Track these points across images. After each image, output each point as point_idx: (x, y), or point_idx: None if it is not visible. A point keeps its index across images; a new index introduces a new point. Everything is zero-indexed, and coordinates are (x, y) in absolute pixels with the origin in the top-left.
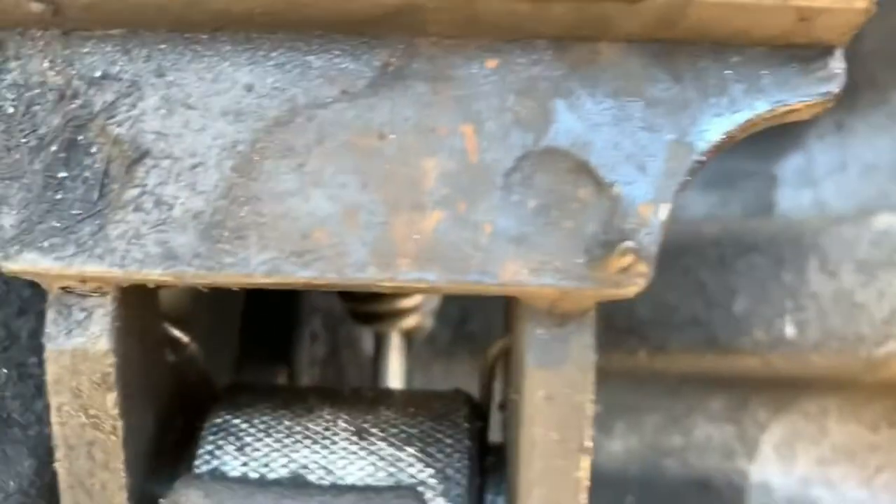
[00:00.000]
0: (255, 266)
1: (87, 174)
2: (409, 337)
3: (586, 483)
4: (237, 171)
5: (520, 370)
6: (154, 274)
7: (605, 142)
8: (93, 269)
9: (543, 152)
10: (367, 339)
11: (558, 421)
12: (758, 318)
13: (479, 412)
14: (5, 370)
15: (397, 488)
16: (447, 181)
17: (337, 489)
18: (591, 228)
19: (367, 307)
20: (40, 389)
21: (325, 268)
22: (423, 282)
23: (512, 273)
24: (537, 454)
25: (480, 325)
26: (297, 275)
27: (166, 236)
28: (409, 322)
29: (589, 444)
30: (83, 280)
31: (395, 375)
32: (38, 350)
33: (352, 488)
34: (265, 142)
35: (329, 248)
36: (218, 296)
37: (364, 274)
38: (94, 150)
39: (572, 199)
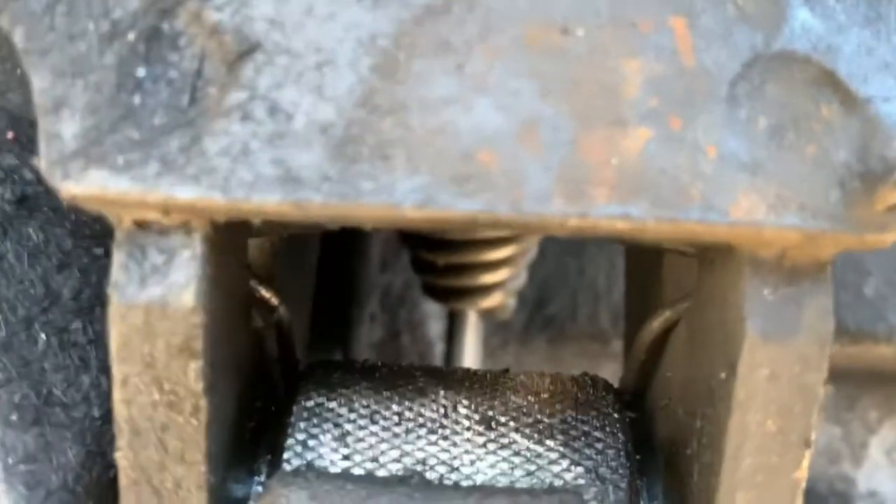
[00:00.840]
0: (403, 194)
1: (172, 73)
2: (486, 317)
3: (803, 485)
4: (378, 73)
5: (730, 343)
6: (270, 202)
7: (854, 47)
8: (186, 193)
9: (776, 57)
10: (431, 321)
11: (780, 407)
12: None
13: (625, 401)
14: (44, 336)
15: (554, 491)
16: (655, 89)
17: (473, 491)
18: (841, 156)
19: (445, 280)
20: (86, 362)
21: (494, 199)
22: (625, 219)
23: (746, 210)
24: (748, 449)
25: (562, 308)
26: (457, 207)
27: (285, 153)
28: (492, 300)
29: (813, 436)
30: (167, 210)
31: (470, 361)
32: (84, 312)
33: (488, 490)
34: (413, 35)
35: (500, 174)
36: (295, 258)
37: (547, 207)
38: (183, 42)
39: (814, 118)
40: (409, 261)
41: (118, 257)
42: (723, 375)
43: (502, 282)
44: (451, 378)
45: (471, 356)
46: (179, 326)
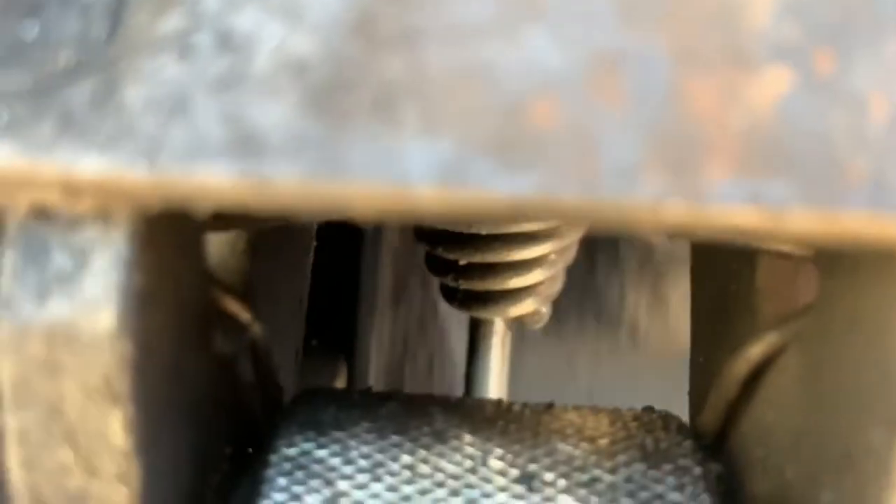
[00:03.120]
0: (415, 168)
1: None
2: (514, 327)
3: None
4: None
5: (888, 389)
6: (216, 178)
7: None
8: (94, 163)
9: None
10: (451, 331)
11: None
12: None
13: (706, 448)
14: None
15: None
16: (793, 13)
17: None
18: None
19: (467, 283)
20: None
21: (553, 175)
22: (755, 207)
23: None
24: None
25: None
26: (497, 187)
27: (241, 105)
28: (524, 307)
29: None
30: (70, 189)
31: (494, 376)
32: None
33: None
34: None
35: (562, 137)
36: (282, 257)
37: (634, 189)
38: None
39: None
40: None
41: (9, 260)
42: (875, 435)
43: (535, 286)
44: (478, 416)
45: (496, 373)
46: (96, 359)
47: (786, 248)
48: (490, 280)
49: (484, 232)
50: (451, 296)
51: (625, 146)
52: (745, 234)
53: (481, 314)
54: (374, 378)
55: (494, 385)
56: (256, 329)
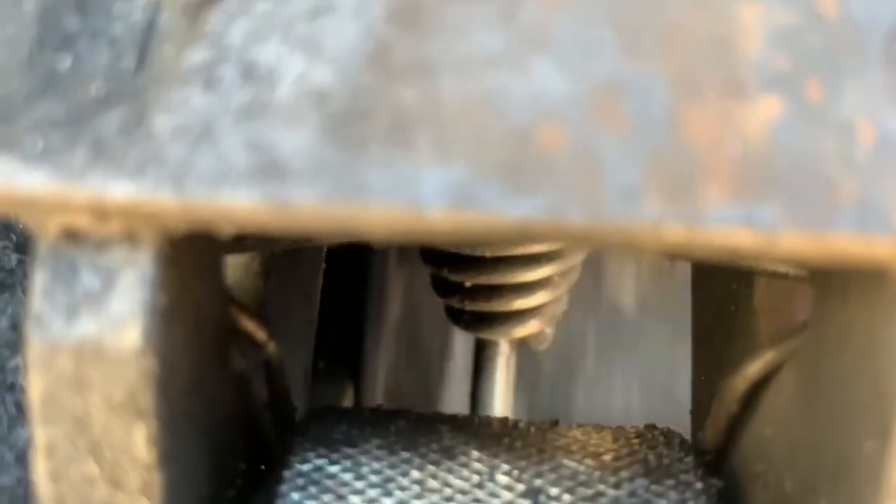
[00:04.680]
0: (428, 192)
1: (116, 28)
2: (519, 348)
3: None
4: (395, 22)
5: (880, 401)
6: (241, 202)
7: None
8: (124, 189)
9: None
10: (456, 352)
11: None
12: None
13: (707, 464)
14: None
15: None
16: (784, 45)
17: None
18: None
19: (472, 304)
20: (25, 411)
21: (560, 198)
22: (749, 228)
23: None
24: None
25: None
26: (507, 210)
27: (264, 133)
28: (528, 328)
29: None
30: (101, 213)
31: (500, 397)
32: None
33: None
34: None
35: (568, 161)
36: (293, 279)
37: (636, 210)
38: None
39: None
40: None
41: (40, 279)
42: (868, 446)
43: (540, 307)
44: (485, 433)
45: (501, 394)
46: (121, 375)
47: (782, 268)
48: (495, 301)
49: (489, 254)
50: (457, 317)
51: (627, 170)
52: (739, 255)
53: (486, 335)
54: (381, 400)
55: (500, 405)
56: (271, 348)
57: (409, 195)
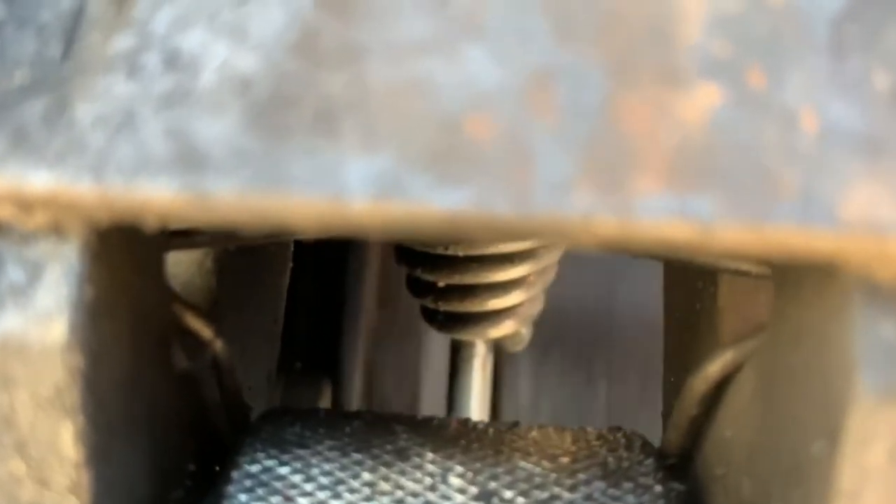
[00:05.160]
0: (352, 181)
1: (44, 14)
2: (496, 349)
3: None
4: (322, 6)
5: (830, 401)
6: (159, 192)
7: None
8: (42, 178)
9: None
10: (433, 353)
11: None
12: None
13: (669, 467)
14: None
15: None
16: (726, 30)
17: None
18: None
19: (447, 305)
20: None
21: (488, 189)
22: (684, 220)
23: (862, 206)
24: None
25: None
26: (433, 201)
27: (186, 121)
28: (503, 328)
29: None
30: (21, 203)
31: (476, 398)
32: None
33: None
34: None
35: (497, 152)
36: (254, 276)
37: (567, 202)
38: None
39: None
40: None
41: None
42: (817, 447)
43: (515, 307)
44: (442, 435)
45: (478, 395)
46: (47, 371)
47: (744, 266)
48: (469, 302)
49: (462, 254)
50: (432, 318)
51: (558, 161)
52: (676, 248)
53: (462, 336)
54: (359, 400)
55: (476, 406)
56: (219, 346)
57: (332, 185)
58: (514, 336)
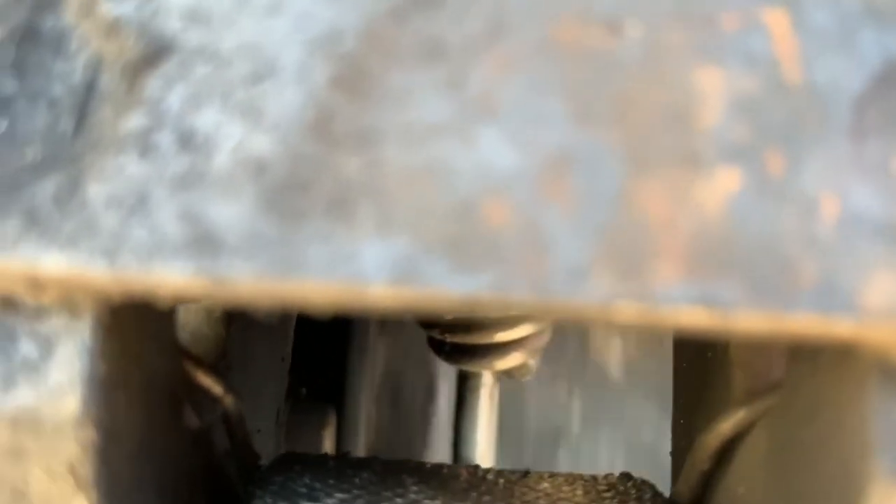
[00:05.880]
0: (370, 266)
1: (56, 88)
2: (503, 379)
3: None
4: (339, 88)
5: (845, 479)
6: (174, 276)
7: None
8: (56, 261)
9: None
10: (440, 383)
11: None
12: None
13: None
14: None
15: None
16: (745, 114)
17: None
18: None
19: (454, 337)
20: None
21: (505, 274)
22: (704, 308)
23: (884, 295)
24: None
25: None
26: (450, 286)
27: (200, 204)
28: (510, 360)
29: None
30: (37, 284)
31: (482, 428)
32: None
33: None
34: (391, 34)
35: (514, 237)
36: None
37: (584, 288)
38: (72, 45)
39: None
40: None
41: None
42: None
43: (522, 340)
44: (452, 486)
45: (484, 426)
46: (60, 446)
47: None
48: (476, 334)
49: None
50: (439, 349)
51: (575, 247)
52: (695, 333)
53: (468, 367)
54: (364, 427)
55: (482, 436)
56: (229, 401)
57: (348, 271)
58: (521, 367)
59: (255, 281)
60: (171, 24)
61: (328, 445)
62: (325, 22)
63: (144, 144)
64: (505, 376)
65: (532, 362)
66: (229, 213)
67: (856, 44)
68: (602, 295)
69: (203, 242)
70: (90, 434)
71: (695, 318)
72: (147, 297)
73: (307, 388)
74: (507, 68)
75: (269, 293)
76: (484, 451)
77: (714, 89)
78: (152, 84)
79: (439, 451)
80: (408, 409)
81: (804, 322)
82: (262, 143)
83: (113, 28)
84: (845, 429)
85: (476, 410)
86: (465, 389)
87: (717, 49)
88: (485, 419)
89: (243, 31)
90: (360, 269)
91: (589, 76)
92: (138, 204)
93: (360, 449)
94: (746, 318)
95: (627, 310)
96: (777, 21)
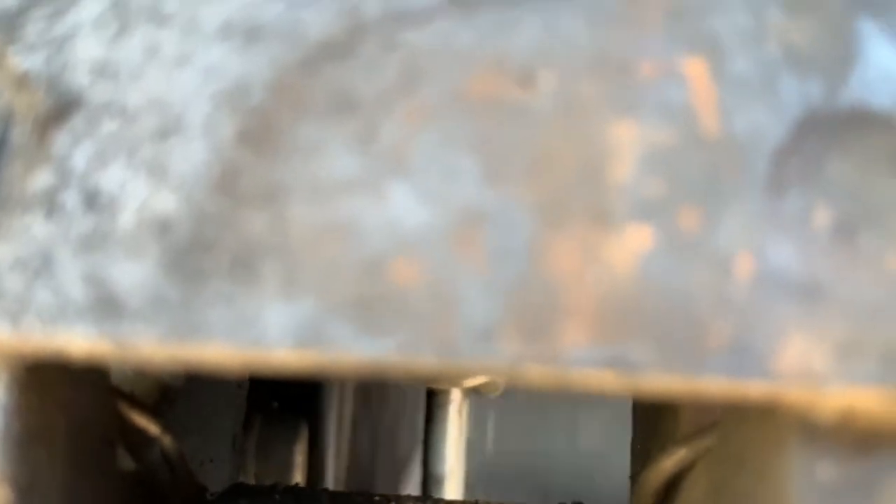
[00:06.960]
0: (273, 329)
1: None
2: (471, 396)
3: None
4: (246, 143)
5: None
6: (77, 340)
7: None
8: None
9: (842, 118)
10: (412, 399)
11: None
12: None
13: None
14: None
15: None
16: (659, 168)
17: None
18: None
19: None
20: None
21: (413, 336)
22: (611, 369)
23: (798, 357)
24: None
25: None
26: (355, 349)
27: (104, 266)
28: (478, 377)
29: None
30: None
31: (451, 444)
32: None
33: None
34: (301, 86)
35: (422, 297)
36: None
37: (491, 349)
38: None
39: None
40: None
41: None
42: None
43: None
44: None
45: (453, 442)
46: None
47: None
48: None
49: None
50: None
51: (483, 308)
52: (605, 393)
53: (436, 385)
54: (335, 441)
55: (451, 453)
56: (167, 441)
57: (251, 335)
58: (489, 384)
59: (157, 345)
60: (79, 79)
61: (299, 460)
62: (233, 74)
63: (50, 204)
64: (473, 393)
65: (499, 380)
66: (132, 274)
67: (777, 91)
68: (509, 357)
69: (106, 305)
70: (7, 495)
71: (603, 380)
72: (54, 359)
73: (279, 402)
74: (420, 122)
75: (172, 357)
76: (453, 466)
77: (628, 143)
78: (60, 140)
79: (410, 466)
80: (379, 425)
81: (715, 384)
82: (166, 202)
83: (23, 81)
84: (768, 482)
85: (444, 426)
86: (433, 405)
87: (633, 100)
88: (453, 435)
89: (151, 85)
90: (262, 332)
91: (502, 130)
92: (43, 266)
93: (330, 462)
94: (656, 380)
95: (535, 372)
96: (695, 69)
